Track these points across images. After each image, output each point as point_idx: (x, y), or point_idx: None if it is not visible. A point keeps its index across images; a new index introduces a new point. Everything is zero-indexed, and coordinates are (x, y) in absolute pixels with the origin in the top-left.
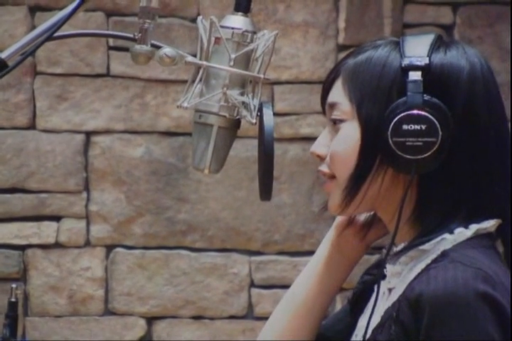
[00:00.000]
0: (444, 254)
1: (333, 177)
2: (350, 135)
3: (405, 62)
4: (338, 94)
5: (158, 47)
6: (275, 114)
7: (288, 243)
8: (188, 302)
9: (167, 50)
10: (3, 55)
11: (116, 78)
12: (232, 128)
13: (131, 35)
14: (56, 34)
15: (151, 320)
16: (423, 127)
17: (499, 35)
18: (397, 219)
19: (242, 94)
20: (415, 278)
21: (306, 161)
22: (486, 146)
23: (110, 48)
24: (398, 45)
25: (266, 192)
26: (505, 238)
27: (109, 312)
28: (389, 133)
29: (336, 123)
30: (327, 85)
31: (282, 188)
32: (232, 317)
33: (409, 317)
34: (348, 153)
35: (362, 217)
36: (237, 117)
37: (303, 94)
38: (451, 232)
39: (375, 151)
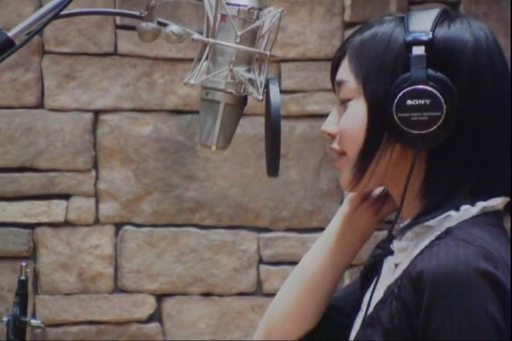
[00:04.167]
0: (448, 231)
1: (343, 153)
2: (357, 112)
3: (409, 37)
4: (345, 72)
5: (164, 25)
6: (282, 92)
7: (296, 219)
8: (197, 279)
9: (174, 28)
10: (10, 34)
11: (124, 57)
12: (239, 105)
13: (138, 13)
14: (63, 12)
15: (160, 297)
16: (427, 102)
17: (505, 12)
18: (403, 194)
19: (248, 70)
20: (419, 255)
21: (314, 138)
22: (491, 120)
23: (117, 27)
24: (403, 21)
25: (273, 168)
26: None
27: (118, 289)
28: (394, 108)
29: (344, 101)
30: (335, 63)
31: (290, 165)
32: (240, 294)
33: (410, 294)
34: (356, 130)
35: (376, 192)
36: (244, 94)
37: (310, 72)
38: (457, 209)
39: (381, 127)
